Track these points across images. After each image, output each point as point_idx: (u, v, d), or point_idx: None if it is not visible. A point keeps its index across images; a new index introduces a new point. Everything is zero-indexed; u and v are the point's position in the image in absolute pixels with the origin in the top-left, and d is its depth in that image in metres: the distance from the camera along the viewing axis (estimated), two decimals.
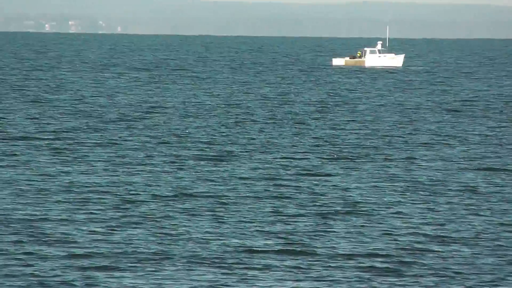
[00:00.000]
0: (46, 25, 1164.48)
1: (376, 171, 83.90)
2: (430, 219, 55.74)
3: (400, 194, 65.89)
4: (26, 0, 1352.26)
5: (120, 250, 44.90)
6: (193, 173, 75.67)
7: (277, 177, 76.36)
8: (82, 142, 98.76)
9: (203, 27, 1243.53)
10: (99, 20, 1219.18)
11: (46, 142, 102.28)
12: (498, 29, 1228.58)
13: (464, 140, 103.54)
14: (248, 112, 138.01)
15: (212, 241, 48.17)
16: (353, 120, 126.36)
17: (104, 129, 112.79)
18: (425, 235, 50.42)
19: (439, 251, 45.75)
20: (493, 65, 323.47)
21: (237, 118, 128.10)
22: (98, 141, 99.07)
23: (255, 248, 46.09)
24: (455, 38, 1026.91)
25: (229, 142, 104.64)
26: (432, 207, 60.15)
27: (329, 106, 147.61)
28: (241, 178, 75.82)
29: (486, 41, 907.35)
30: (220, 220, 54.55)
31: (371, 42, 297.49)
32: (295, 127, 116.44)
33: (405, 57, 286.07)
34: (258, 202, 60.55)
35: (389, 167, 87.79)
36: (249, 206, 59.43)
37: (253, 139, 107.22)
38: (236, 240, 48.07)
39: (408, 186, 70.22)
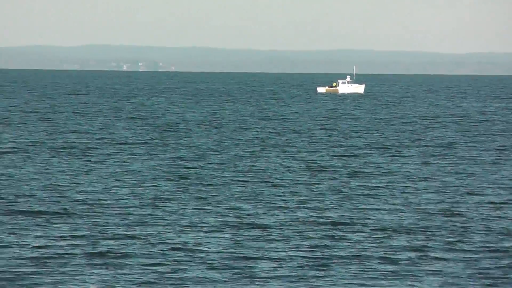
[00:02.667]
0: (124, 66, 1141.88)
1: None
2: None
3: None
4: (109, 48, 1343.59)
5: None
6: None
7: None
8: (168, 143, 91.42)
9: (224, 66, 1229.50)
10: (160, 62, 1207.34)
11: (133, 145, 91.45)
12: (431, 67, 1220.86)
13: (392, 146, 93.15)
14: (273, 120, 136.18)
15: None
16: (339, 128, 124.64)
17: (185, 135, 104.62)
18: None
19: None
20: (431, 92, 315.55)
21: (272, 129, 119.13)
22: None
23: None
24: (398, 74, 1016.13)
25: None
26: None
27: (320, 118, 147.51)
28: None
29: (420, 76, 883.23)
30: None
31: (343, 76, 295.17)
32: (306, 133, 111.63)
33: (365, 86, 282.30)
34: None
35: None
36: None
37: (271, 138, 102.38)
38: None
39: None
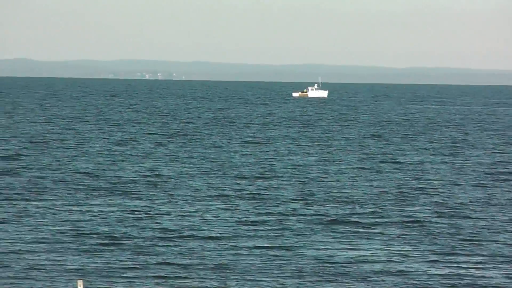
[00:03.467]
0: (146, 75, 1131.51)
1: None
2: None
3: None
4: (135, 61, 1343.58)
5: None
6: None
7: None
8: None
9: (221, 76, 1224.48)
10: (173, 73, 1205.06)
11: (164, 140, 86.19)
12: (378, 78, 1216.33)
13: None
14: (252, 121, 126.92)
15: None
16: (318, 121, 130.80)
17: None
18: None
19: None
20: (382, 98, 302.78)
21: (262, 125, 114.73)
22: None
23: None
24: (355, 83, 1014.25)
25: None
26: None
27: (295, 114, 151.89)
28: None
29: (370, 84, 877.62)
30: None
31: (312, 85, 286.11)
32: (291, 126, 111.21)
33: (328, 92, 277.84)
34: None
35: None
36: None
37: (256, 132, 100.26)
38: None
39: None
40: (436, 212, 43.57)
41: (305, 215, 41.83)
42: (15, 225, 37.01)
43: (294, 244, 33.98)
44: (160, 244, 33.82)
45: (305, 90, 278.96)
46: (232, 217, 40.65)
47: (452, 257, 32.48)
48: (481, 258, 32.59)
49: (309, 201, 46.41)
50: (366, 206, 44.99)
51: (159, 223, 38.74)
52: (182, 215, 41.03)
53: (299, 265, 30.18)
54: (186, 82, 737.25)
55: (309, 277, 28.50)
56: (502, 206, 46.46)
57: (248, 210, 42.92)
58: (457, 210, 44.21)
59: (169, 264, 30.14)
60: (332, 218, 40.43)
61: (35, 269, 28.43)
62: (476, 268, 30.57)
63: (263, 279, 28.39)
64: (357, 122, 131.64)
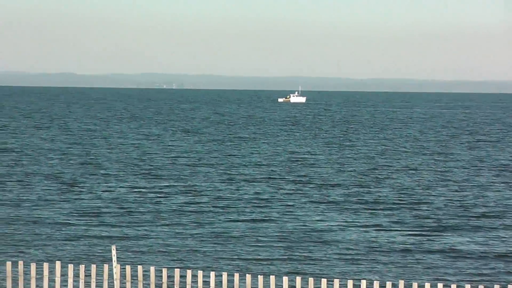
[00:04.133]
0: (164, 85, 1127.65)
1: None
2: None
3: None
4: (153, 74, 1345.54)
5: None
6: None
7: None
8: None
9: (222, 86, 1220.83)
10: (183, 83, 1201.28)
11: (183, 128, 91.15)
12: (347, 87, 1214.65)
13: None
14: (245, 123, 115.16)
15: None
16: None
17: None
18: None
19: None
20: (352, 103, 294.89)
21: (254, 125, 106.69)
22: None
23: None
24: (328, 91, 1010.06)
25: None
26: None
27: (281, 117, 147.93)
28: None
29: (339, 92, 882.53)
30: None
31: (293, 92, 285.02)
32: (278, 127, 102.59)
33: (306, 98, 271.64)
34: None
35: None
36: None
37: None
38: None
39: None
40: (399, 191, 40.74)
41: (291, 191, 40.24)
42: (59, 199, 35.47)
43: (279, 218, 31.95)
44: (194, 218, 31.19)
45: (288, 96, 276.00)
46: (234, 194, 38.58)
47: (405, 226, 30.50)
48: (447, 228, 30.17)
49: (295, 180, 44.85)
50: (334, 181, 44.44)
51: (196, 202, 35.52)
52: (216, 190, 39.48)
53: (284, 234, 28.42)
54: (195, 91, 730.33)
55: (294, 243, 26.84)
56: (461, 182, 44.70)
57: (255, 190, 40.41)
58: (417, 191, 40.99)
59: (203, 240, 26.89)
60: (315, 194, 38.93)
61: (75, 238, 26.87)
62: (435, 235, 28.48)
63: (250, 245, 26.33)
64: (329, 120, 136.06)
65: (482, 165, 55.36)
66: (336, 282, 13.57)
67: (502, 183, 44.46)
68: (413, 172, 49.40)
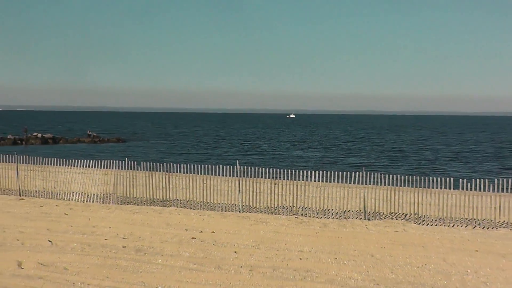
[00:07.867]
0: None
1: None
2: None
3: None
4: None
5: None
6: None
7: None
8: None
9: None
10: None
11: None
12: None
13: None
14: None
15: None
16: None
17: None
18: None
19: None
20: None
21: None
22: None
23: None
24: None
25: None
26: None
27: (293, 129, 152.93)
28: None
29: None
30: None
31: (290, 113, 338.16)
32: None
33: (295, 116, 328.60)
34: None
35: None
36: None
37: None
38: None
39: None
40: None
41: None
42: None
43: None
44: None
45: (291, 115, 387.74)
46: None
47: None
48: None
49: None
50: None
51: None
52: None
53: None
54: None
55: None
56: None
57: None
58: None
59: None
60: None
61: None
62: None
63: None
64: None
65: None
66: None
67: None
68: None
